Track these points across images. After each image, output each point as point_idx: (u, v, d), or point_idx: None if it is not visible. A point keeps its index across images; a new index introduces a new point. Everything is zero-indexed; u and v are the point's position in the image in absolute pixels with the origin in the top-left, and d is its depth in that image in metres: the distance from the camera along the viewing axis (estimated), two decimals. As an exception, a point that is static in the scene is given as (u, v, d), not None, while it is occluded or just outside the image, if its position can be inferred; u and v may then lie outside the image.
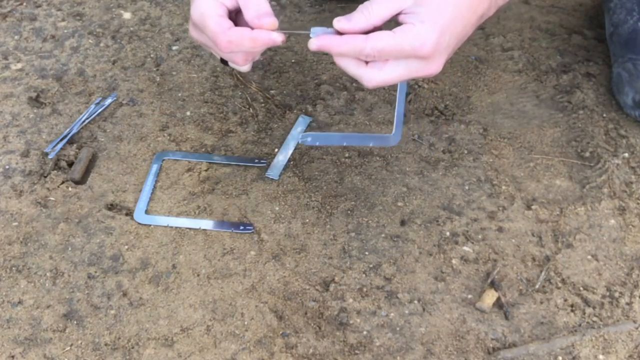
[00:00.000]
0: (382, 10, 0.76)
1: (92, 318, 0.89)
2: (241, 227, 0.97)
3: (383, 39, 0.75)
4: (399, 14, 0.77)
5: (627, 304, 0.90)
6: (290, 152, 1.07)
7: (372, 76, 0.77)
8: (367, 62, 0.77)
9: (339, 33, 0.78)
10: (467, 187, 1.03)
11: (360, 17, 0.77)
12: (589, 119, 1.12)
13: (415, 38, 0.74)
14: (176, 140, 1.08)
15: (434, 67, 0.77)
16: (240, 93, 1.16)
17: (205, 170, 1.04)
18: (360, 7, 0.77)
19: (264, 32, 0.78)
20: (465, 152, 1.07)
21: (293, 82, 1.18)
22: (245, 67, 0.85)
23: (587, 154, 1.07)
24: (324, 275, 0.93)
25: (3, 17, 1.29)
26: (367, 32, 0.76)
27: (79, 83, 1.17)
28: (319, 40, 0.77)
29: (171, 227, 0.97)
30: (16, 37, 1.25)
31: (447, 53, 0.78)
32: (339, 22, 0.77)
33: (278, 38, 0.78)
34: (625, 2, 1.15)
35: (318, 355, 0.86)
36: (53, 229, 0.97)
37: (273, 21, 0.78)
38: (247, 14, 0.79)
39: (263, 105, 1.14)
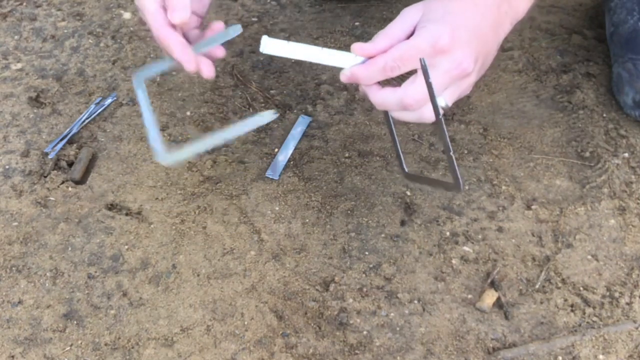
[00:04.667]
0: (398, 31, 0.79)
1: (92, 318, 0.89)
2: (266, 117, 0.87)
3: (400, 46, 0.77)
4: (413, 30, 0.79)
5: (627, 304, 0.91)
6: (290, 152, 1.07)
7: (412, 92, 0.77)
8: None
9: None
10: (467, 187, 1.03)
11: (380, 40, 0.79)
12: (589, 119, 1.12)
13: (430, 35, 0.76)
14: (176, 140, 1.09)
15: (462, 60, 0.77)
16: (240, 93, 1.16)
17: (206, 170, 1.04)
18: (377, 33, 0.80)
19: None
20: (465, 152, 1.07)
21: (293, 82, 1.18)
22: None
23: (587, 154, 1.07)
24: (324, 275, 0.93)
25: (3, 17, 1.29)
26: None
27: (79, 83, 1.17)
28: (346, 72, 0.80)
29: (198, 153, 0.92)
30: (16, 37, 1.25)
31: (470, 49, 0.78)
32: (359, 45, 0.79)
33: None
34: (626, 2, 1.15)
35: (318, 355, 0.86)
36: (53, 229, 0.97)
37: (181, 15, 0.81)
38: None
39: (263, 105, 1.14)
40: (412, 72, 0.78)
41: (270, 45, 0.81)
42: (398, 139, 0.89)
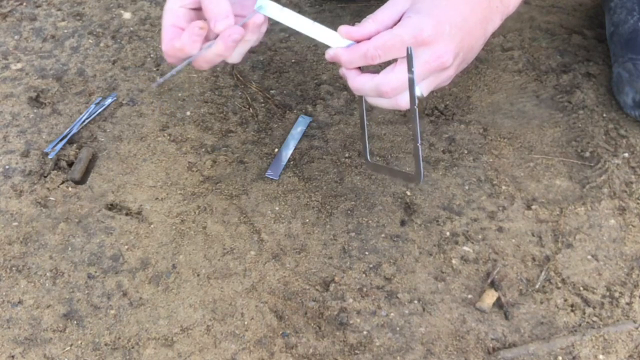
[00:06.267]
0: (386, 17, 0.79)
1: (92, 318, 0.89)
2: None
3: (383, 35, 0.78)
4: (401, 17, 0.79)
5: (627, 304, 0.91)
6: (290, 152, 1.07)
7: (388, 80, 0.78)
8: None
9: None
10: (467, 187, 1.03)
11: (368, 24, 0.79)
12: (589, 119, 1.12)
13: (413, 25, 0.77)
14: (176, 140, 1.09)
15: (443, 53, 0.77)
16: (240, 93, 1.16)
17: (206, 170, 1.04)
18: (366, 17, 0.80)
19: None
20: (465, 152, 1.07)
21: (293, 82, 1.18)
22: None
23: (587, 154, 1.07)
24: (324, 275, 0.93)
25: (3, 17, 1.29)
26: None
27: (79, 83, 1.17)
28: (330, 52, 0.81)
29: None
30: (16, 37, 1.25)
31: (452, 43, 0.78)
32: (345, 28, 0.80)
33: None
34: (626, 2, 1.15)
35: (318, 355, 0.86)
36: (53, 229, 0.97)
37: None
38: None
39: (263, 105, 1.14)
40: (391, 60, 0.79)
41: (266, 7, 0.82)
42: (367, 127, 0.89)
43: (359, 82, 0.80)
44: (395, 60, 0.78)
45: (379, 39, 0.77)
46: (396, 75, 0.78)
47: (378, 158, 1.06)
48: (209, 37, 0.82)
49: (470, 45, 0.82)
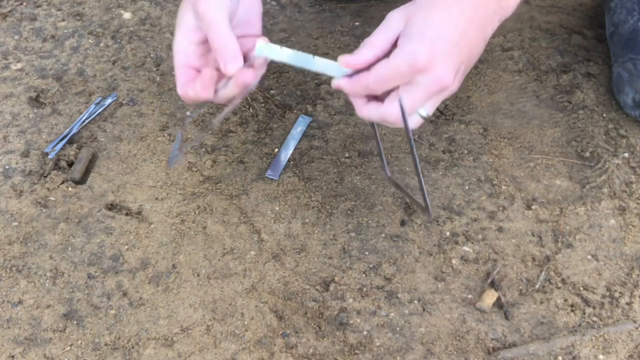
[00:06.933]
0: (381, 41, 0.80)
1: (92, 318, 0.89)
2: None
3: (380, 67, 0.78)
4: (397, 38, 0.80)
5: (627, 304, 0.91)
6: (290, 152, 1.07)
7: (391, 111, 0.79)
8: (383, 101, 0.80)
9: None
10: (467, 187, 1.03)
11: (365, 51, 0.80)
12: (589, 119, 1.12)
13: (408, 54, 0.77)
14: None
15: (442, 76, 0.78)
16: (240, 93, 1.16)
17: (206, 170, 1.05)
18: (363, 42, 0.81)
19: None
20: (465, 152, 1.07)
21: (293, 82, 1.18)
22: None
23: (587, 154, 1.07)
24: (324, 275, 0.93)
25: (3, 17, 1.29)
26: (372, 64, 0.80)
27: (79, 83, 1.17)
28: (334, 83, 0.81)
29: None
30: (16, 37, 1.25)
31: (451, 60, 0.79)
32: (344, 58, 0.80)
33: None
34: (626, 2, 1.15)
35: (318, 355, 0.86)
36: (53, 229, 0.98)
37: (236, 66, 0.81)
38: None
39: (263, 105, 1.14)
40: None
41: (265, 50, 0.82)
42: (382, 144, 0.91)
43: (365, 112, 0.82)
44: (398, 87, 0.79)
45: (377, 73, 0.78)
46: (398, 106, 0.79)
47: (378, 158, 1.06)
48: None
49: (470, 53, 0.82)
